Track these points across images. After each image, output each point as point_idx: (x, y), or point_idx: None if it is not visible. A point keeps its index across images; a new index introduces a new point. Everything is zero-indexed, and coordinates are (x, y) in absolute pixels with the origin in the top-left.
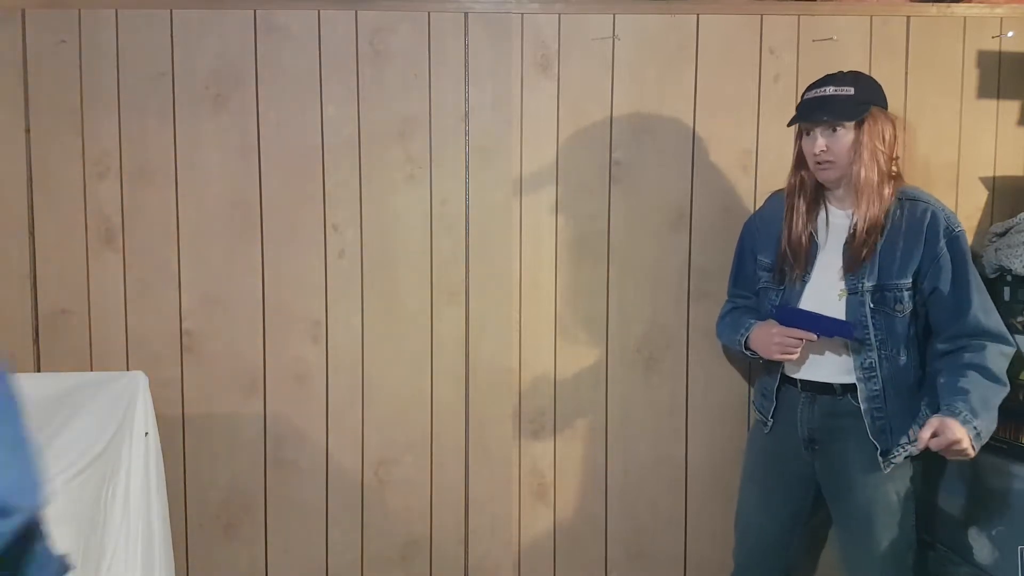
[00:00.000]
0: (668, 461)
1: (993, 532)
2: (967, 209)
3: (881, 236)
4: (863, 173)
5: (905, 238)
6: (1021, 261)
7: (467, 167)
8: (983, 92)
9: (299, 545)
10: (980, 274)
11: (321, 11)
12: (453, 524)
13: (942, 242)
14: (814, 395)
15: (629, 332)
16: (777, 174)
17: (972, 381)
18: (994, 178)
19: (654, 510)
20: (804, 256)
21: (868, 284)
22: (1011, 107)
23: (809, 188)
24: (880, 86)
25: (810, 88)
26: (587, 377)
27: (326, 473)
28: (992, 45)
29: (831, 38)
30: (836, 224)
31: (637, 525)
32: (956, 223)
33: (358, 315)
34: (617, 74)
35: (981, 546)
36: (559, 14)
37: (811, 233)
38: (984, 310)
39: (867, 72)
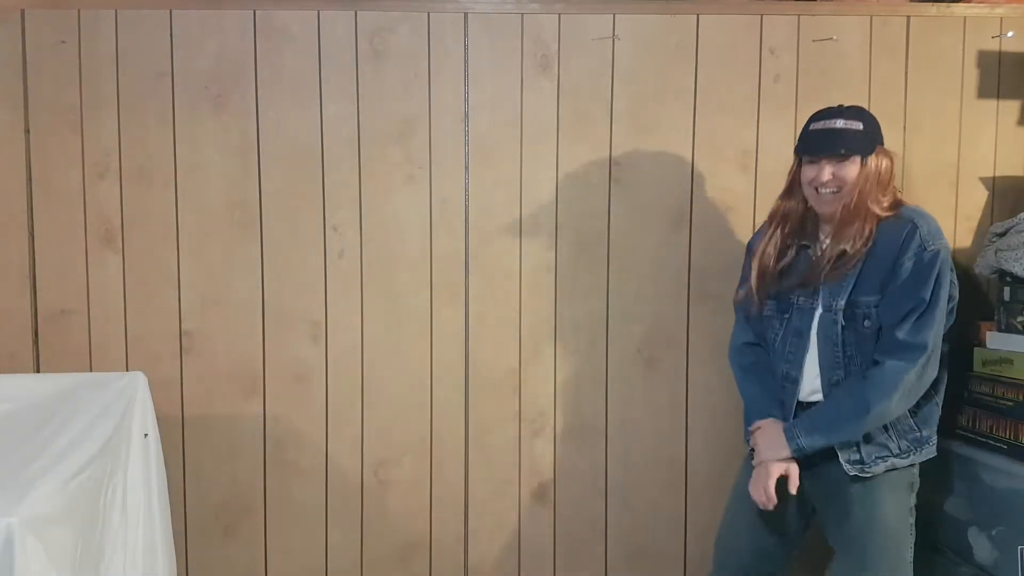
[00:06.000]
0: (668, 461)
1: (993, 532)
2: (967, 209)
3: (861, 262)
4: (856, 202)
5: (880, 255)
6: (1021, 265)
7: (467, 167)
8: (983, 92)
9: (299, 546)
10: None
11: (321, 11)
12: (453, 524)
13: (909, 254)
14: None
15: (629, 332)
16: (777, 174)
17: (834, 396)
18: (994, 178)
19: (654, 510)
20: (762, 287)
21: (841, 302)
22: (1011, 107)
23: (793, 219)
24: (878, 123)
25: (816, 119)
26: (587, 377)
27: (326, 474)
28: (992, 45)
29: (831, 38)
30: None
31: (637, 525)
32: (934, 241)
33: (358, 315)
34: (617, 74)
35: (981, 546)
36: (559, 14)
37: (780, 267)
38: (915, 328)
39: (867, 72)
